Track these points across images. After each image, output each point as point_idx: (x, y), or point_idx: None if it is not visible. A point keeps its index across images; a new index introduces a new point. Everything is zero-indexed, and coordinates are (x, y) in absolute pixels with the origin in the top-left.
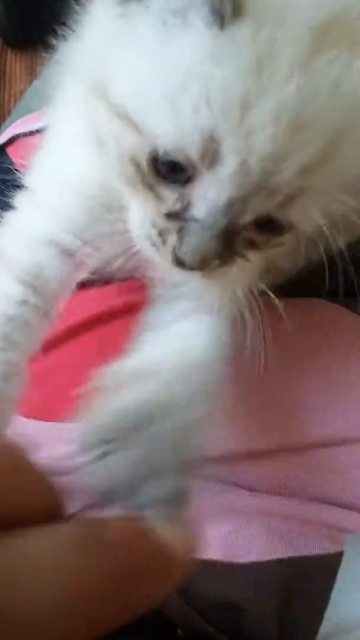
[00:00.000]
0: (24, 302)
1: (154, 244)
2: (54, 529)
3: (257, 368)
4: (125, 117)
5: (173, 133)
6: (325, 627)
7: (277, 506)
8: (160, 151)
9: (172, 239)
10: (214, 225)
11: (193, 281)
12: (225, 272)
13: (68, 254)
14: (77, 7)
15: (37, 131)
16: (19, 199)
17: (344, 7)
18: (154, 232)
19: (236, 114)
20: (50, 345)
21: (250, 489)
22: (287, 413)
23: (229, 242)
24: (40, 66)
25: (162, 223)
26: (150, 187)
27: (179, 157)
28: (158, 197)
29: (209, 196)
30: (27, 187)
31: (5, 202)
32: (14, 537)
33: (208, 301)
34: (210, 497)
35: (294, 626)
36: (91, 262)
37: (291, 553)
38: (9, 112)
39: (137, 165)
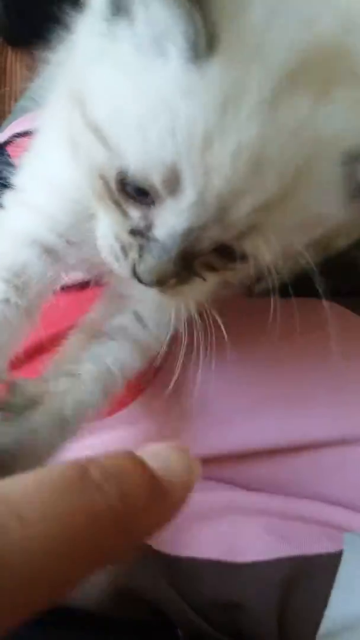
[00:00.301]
0: (5, 301)
1: (115, 256)
2: (39, 471)
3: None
4: (97, 133)
5: (139, 159)
6: (324, 625)
7: (276, 505)
8: (128, 173)
9: (133, 254)
10: (173, 249)
11: (150, 292)
12: (181, 288)
13: (52, 253)
14: (72, 12)
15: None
16: (8, 198)
17: (320, 48)
18: (116, 245)
19: (197, 150)
20: (43, 349)
21: (249, 487)
22: (286, 412)
23: (187, 264)
24: (41, 64)
25: (125, 238)
26: (117, 203)
27: (143, 183)
28: (124, 213)
29: (169, 222)
30: (15, 186)
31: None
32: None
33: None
34: (209, 496)
35: (294, 624)
36: (75, 262)
37: (291, 552)
38: (10, 109)
39: (106, 181)
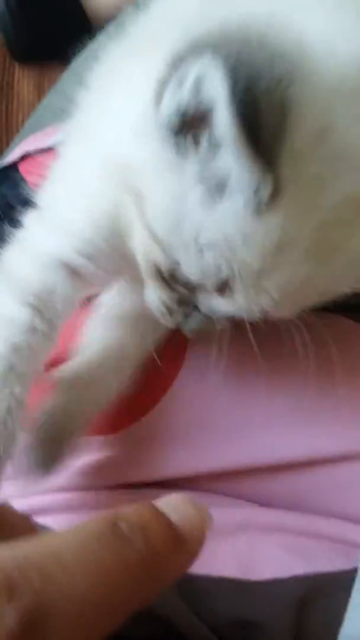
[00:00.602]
0: (32, 330)
1: (162, 314)
2: (76, 527)
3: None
4: (155, 236)
5: (195, 272)
6: None
7: (292, 522)
8: (180, 272)
9: (178, 317)
10: (214, 318)
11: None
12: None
13: (77, 275)
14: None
15: (49, 149)
16: (30, 218)
17: None
18: (163, 308)
19: (251, 279)
20: (57, 362)
21: (265, 504)
22: (302, 426)
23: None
24: (48, 80)
25: (171, 305)
26: (165, 281)
27: (194, 282)
28: (172, 289)
29: (214, 306)
30: (39, 205)
31: (15, 219)
32: (44, 535)
33: None
34: (224, 513)
35: None
36: (100, 283)
37: (307, 569)
38: (18, 125)
39: (156, 263)
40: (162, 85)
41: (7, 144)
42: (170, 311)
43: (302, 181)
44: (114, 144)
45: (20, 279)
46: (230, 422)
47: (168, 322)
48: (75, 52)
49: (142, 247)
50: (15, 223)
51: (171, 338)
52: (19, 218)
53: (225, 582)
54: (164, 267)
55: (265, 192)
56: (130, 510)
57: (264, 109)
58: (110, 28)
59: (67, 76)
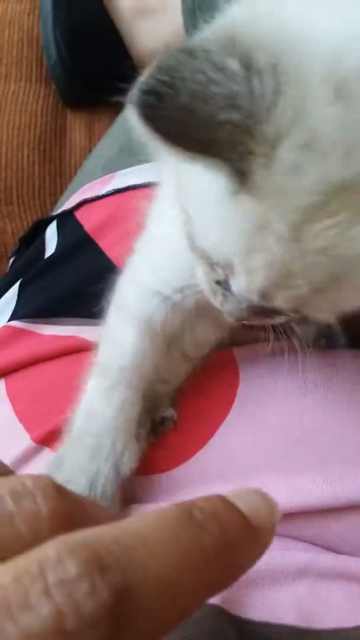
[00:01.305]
0: (139, 350)
1: (209, 294)
2: (154, 513)
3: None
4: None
5: (212, 254)
6: None
7: (356, 567)
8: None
9: (219, 297)
10: (243, 303)
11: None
12: (268, 320)
13: (169, 300)
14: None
15: (104, 195)
16: (137, 245)
17: (350, 177)
18: (208, 288)
19: (240, 257)
20: None
21: (329, 548)
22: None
23: (261, 314)
24: (98, 124)
25: (214, 285)
26: (207, 263)
27: (218, 265)
28: (212, 269)
29: (236, 287)
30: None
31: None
32: (127, 520)
33: None
34: (285, 556)
35: None
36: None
37: None
38: (71, 169)
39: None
40: None
41: (61, 188)
42: (214, 290)
43: (275, 166)
44: None
45: (130, 306)
46: (295, 460)
47: (215, 302)
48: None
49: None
50: (71, 267)
51: (222, 375)
52: (76, 262)
53: (286, 629)
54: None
55: (235, 180)
56: (202, 500)
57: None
58: None
59: (118, 123)
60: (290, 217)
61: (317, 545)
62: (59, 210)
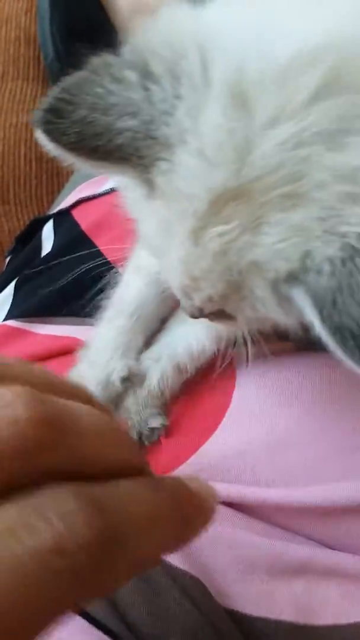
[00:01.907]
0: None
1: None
2: (135, 479)
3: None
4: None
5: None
6: None
7: (353, 566)
8: None
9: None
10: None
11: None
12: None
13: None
14: None
15: (101, 194)
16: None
17: (238, 187)
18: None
19: (160, 257)
20: None
21: (326, 545)
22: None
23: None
24: None
25: None
26: None
27: None
28: None
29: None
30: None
31: (69, 263)
32: (112, 484)
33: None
34: (285, 551)
35: None
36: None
37: None
38: (68, 167)
39: None
40: None
41: (58, 187)
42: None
43: (174, 171)
44: None
45: (139, 262)
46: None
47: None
48: None
49: None
50: (67, 266)
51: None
52: (72, 261)
53: (283, 625)
54: None
55: (144, 187)
56: (170, 478)
57: None
58: None
59: None
60: (189, 221)
61: (314, 541)
62: (56, 209)
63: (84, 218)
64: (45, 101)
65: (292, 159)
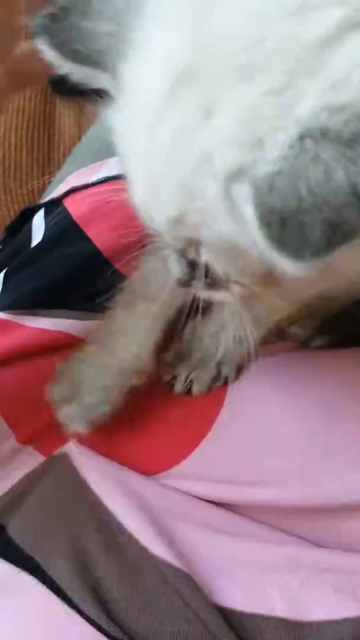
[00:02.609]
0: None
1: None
2: None
3: None
4: None
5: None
6: None
7: (345, 563)
8: None
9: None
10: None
11: None
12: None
13: None
14: None
15: (93, 184)
16: None
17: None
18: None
19: (126, 170)
20: None
21: (316, 543)
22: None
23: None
24: (89, 109)
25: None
26: None
27: None
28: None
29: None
30: None
31: (59, 253)
32: None
33: None
34: (275, 550)
35: None
36: None
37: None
38: (60, 156)
39: None
40: None
41: (50, 175)
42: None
43: (133, 64)
44: None
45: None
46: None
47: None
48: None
49: None
50: (57, 256)
51: None
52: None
53: (275, 621)
54: None
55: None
56: None
57: None
58: None
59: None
60: (146, 115)
61: (306, 540)
62: (47, 199)
63: (75, 208)
64: (43, 11)
65: (251, 26)
